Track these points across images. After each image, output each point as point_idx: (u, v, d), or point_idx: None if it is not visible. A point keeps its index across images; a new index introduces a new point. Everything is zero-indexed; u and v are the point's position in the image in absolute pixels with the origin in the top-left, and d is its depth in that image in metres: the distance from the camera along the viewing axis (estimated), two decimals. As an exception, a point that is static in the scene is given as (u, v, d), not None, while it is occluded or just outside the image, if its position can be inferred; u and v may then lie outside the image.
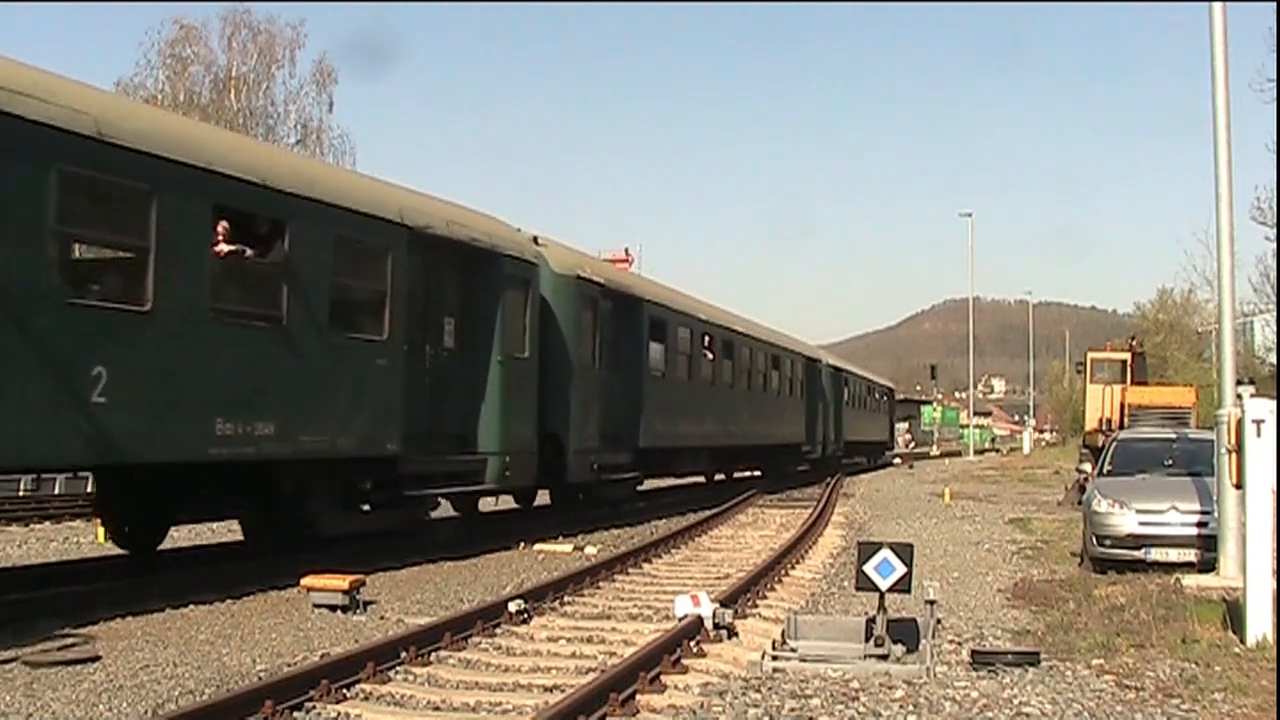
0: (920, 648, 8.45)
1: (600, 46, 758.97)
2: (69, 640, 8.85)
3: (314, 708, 7.00)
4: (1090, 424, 29.66)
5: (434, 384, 14.94)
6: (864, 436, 48.78)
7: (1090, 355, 33.33)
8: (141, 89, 41.65)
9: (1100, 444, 22.45)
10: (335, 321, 12.72)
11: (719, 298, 29.00)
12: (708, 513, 20.64)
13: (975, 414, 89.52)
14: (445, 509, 17.03)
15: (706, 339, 24.96)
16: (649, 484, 25.55)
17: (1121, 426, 25.75)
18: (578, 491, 20.02)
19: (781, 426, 32.56)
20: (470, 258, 15.53)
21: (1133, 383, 30.18)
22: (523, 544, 16.08)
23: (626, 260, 34.39)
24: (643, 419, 20.82)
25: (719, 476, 31.87)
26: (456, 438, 15.48)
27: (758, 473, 33.80)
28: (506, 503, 21.21)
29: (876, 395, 54.35)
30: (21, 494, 24.21)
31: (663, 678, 7.72)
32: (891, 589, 8.52)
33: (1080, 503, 18.21)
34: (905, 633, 8.59)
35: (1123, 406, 27.99)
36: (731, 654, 8.75)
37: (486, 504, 20.43)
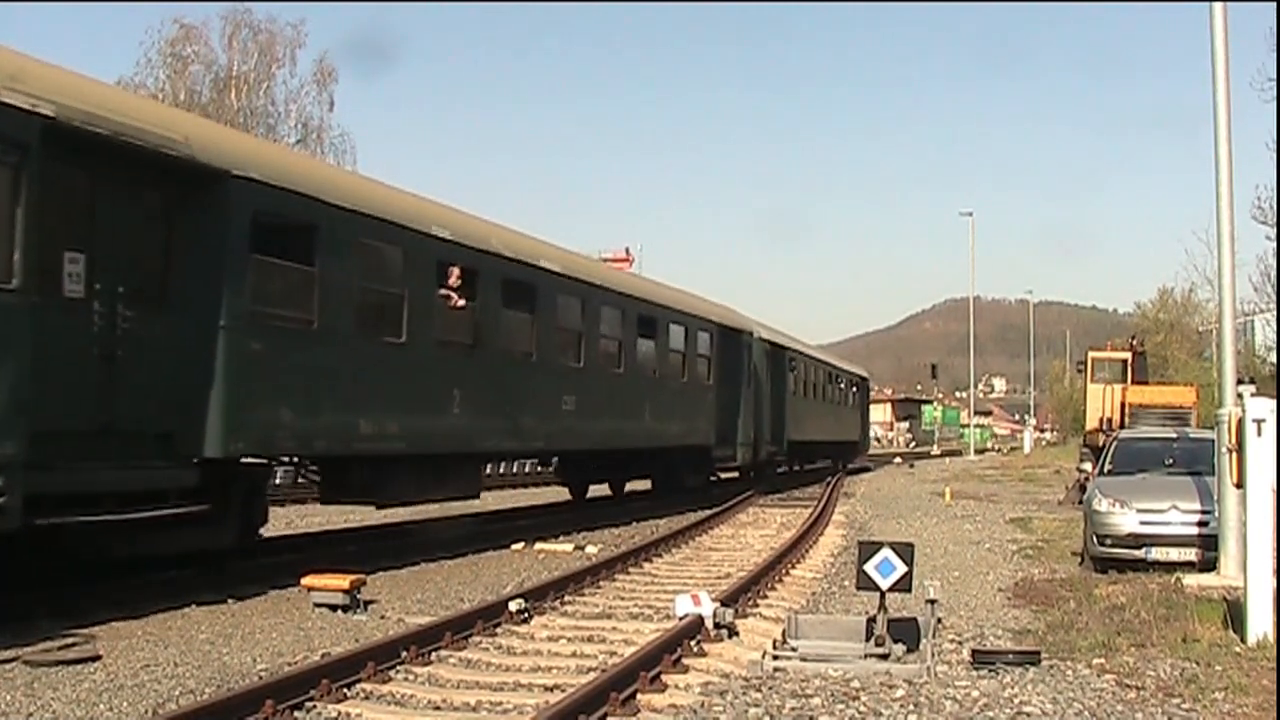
0: (921, 647, 8.45)
1: (601, 46, 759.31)
2: (70, 640, 8.85)
3: (314, 707, 7.00)
4: (1091, 423, 29.71)
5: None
6: (822, 435, 38.29)
7: (1091, 355, 33.38)
8: (142, 88, 41.65)
9: (1101, 443, 22.47)
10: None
11: (720, 297, 28.42)
12: (708, 512, 20.63)
13: (976, 413, 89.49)
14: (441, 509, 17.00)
15: (451, 272, 15.17)
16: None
17: (1122, 426, 25.79)
18: None
19: (664, 421, 22.41)
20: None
21: (1133, 382, 30.20)
22: (523, 543, 16.09)
23: (627, 260, 34.39)
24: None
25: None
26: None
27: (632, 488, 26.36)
28: (507, 502, 21.23)
29: (841, 384, 43.35)
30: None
31: (663, 677, 7.72)
32: (892, 588, 8.52)
33: (1081, 502, 18.22)
34: (906, 632, 8.59)
35: (1123, 406, 28.02)
36: (732, 653, 8.75)
37: (487, 504, 20.45)
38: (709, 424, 24.93)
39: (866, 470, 45.16)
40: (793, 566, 13.97)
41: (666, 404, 22.52)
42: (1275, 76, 25.13)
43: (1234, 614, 9.59)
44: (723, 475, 28.78)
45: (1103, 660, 8.50)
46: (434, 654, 8.52)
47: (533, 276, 17.09)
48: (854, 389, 46.75)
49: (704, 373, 24.87)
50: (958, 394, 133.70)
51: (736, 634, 9.42)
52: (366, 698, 7.35)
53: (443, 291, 14.98)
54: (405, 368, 13.86)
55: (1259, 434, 9.58)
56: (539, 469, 31.52)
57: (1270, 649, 8.72)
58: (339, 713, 6.97)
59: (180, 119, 12.14)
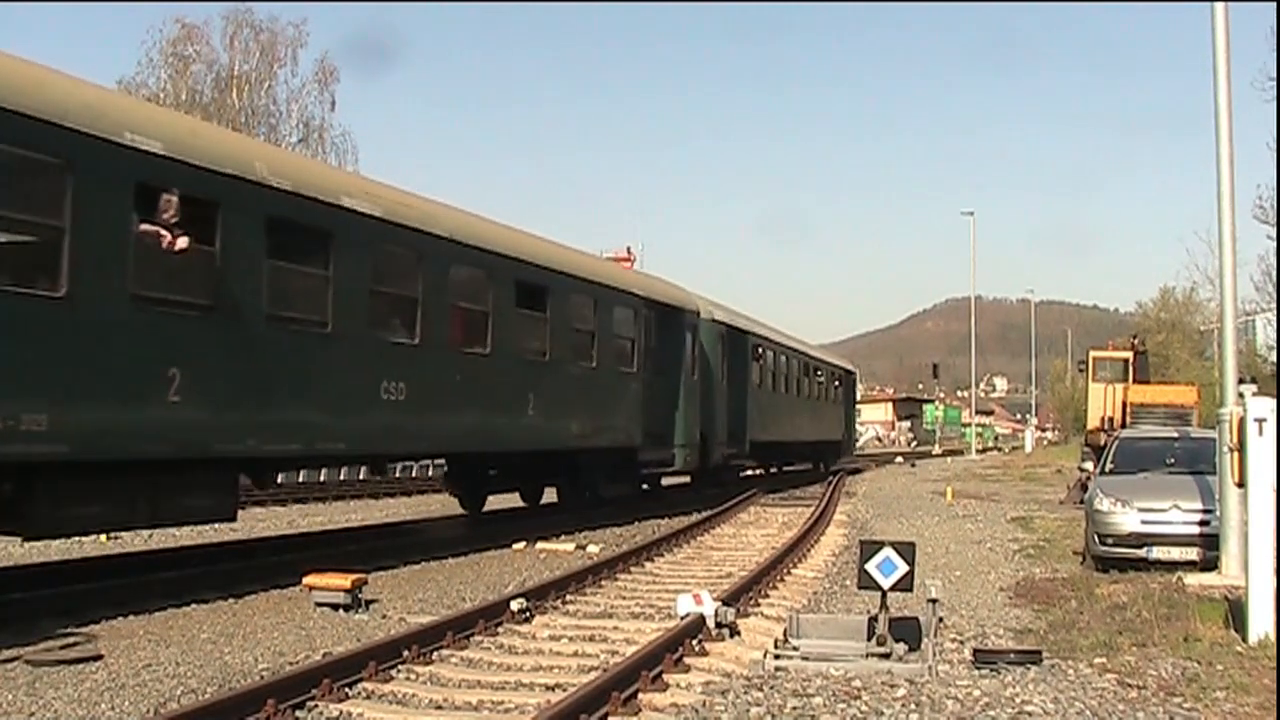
0: (922, 646, 8.45)
1: (601, 46, 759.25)
2: (71, 639, 8.86)
3: (316, 706, 7.00)
4: (1092, 423, 29.70)
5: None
6: (796, 434, 34.10)
7: (1092, 354, 33.36)
8: (144, 88, 41.69)
9: (1102, 443, 22.47)
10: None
11: (719, 297, 28.13)
12: (709, 511, 20.63)
13: (977, 413, 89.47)
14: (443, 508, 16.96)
15: (165, 200, 10.76)
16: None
17: (1123, 425, 25.77)
18: None
19: (561, 418, 17.86)
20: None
21: (1135, 381, 30.19)
22: (525, 543, 16.09)
23: (629, 259, 34.34)
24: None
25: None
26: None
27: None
28: (508, 502, 21.24)
29: (820, 378, 38.37)
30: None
31: (665, 676, 7.72)
32: (894, 587, 8.52)
33: (1082, 501, 18.22)
34: (907, 631, 8.58)
35: (1125, 405, 28.01)
36: (734, 653, 8.75)
37: (489, 504, 20.46)
38: (633, 421, 20.25)
39: (866, 470, 44.99)
40: (794, 566, 13.97)
41: (565, 396, 17.78)
42: (1276, 76, 25.12)
43: (1235, 613, 9.59)
44: (664, 483, 25.08)
45: (1104, 659, 8.49)
46: (435, 653, 8.52)
47: (325, 217, 12.59)
48: (836, 383, 41.89)
49: (626, 358, 20.16)
50: (959, 393, 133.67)
51: (738, 633, 9.42)
52: (368, 697, 7.36)
53: (149, 227, 10.60)
54: (68, 333, 9.59)
55: (1260, 433, 9.58)
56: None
57: (1271, 648, 8.71)
58: (340, 712, 6.97)
59: None
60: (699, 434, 23.04)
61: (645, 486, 23.54)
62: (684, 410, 22.28)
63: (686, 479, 26.21)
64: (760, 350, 28.87)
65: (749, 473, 32.08)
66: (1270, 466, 9.41)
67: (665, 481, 25.42)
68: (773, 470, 35.59)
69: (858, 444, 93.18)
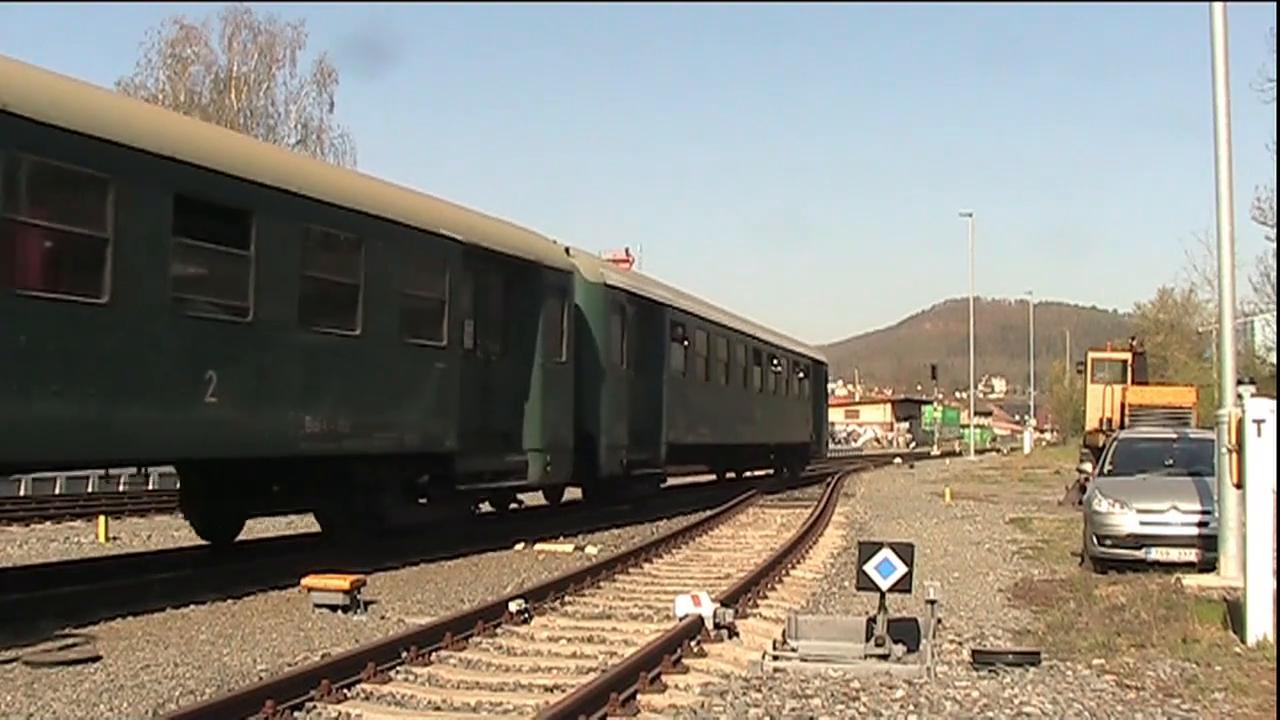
0: (921, 647, 8.45)
1: (601, 46, 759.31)
2: (70, 640, 8.86)
3: (315, 708, 7.00)
4: (1091, 424, 29.64)
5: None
6: (743, 437, 28.76)
7: (1091, 355, 33.31)
8: (142, 89, 41.72)
9: (1101, 444, 22.44)
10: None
11: (719, 298, 27.81)
12: (708, 512, 20.64)
13: (976, 414, 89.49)
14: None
15: None
16: None
17: (1122, 426, 25.75)
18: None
19: (291, 409, 12.31)
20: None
21: (1133, 383, 30.17)
22: (523, 544, 16.09)
23: (627, 260, 34.29)
24: None
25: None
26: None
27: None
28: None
29: (776, 367, 31.77)
30: (22, 494, 24.20)
31: (663, 677, 7.73)
32: (892, 589, 8.52)
33: (1081, 502, 18.23)
34: (906, 632, 8.58)
35: (1123, 406, 27.98)
36: (732, 654, 8.75)
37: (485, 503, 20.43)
38: (442, 417, 14.53)
39: (864, 471, 44.96)
40: (793, 567, 13.97)
41: (288, 376, 12.23)
42: (1275, 77, 25.17)
43: (1234, 614, 9.60)
44: (517, 503, 19.39)
45: (1103, 661, 8.50)
46: (434, 654, 8.52)
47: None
48: (800, 374, 35.31)
49: (427, 327, 14.40)
50: (958, 394, 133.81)
51: (736, 634, 9.42)
52: (367, 698, 7.36)
53: None
54: None
55: (1259, 434, 9.59)
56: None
57: (1270, 649, 8.73)
58: (339, 713, 6.97)
59: None
60: (571, 436, 17.58)
61: (488, 508, 18.17)
62: (543, 402, 16.72)
63: (563, 494, 20.77)
64: (683, 329, 23.26)
65: (687, 481, 28.10)
66: (1269, 468, 9.41)
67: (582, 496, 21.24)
68: (702, 481, 30.23)
69: (856, 445, 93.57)
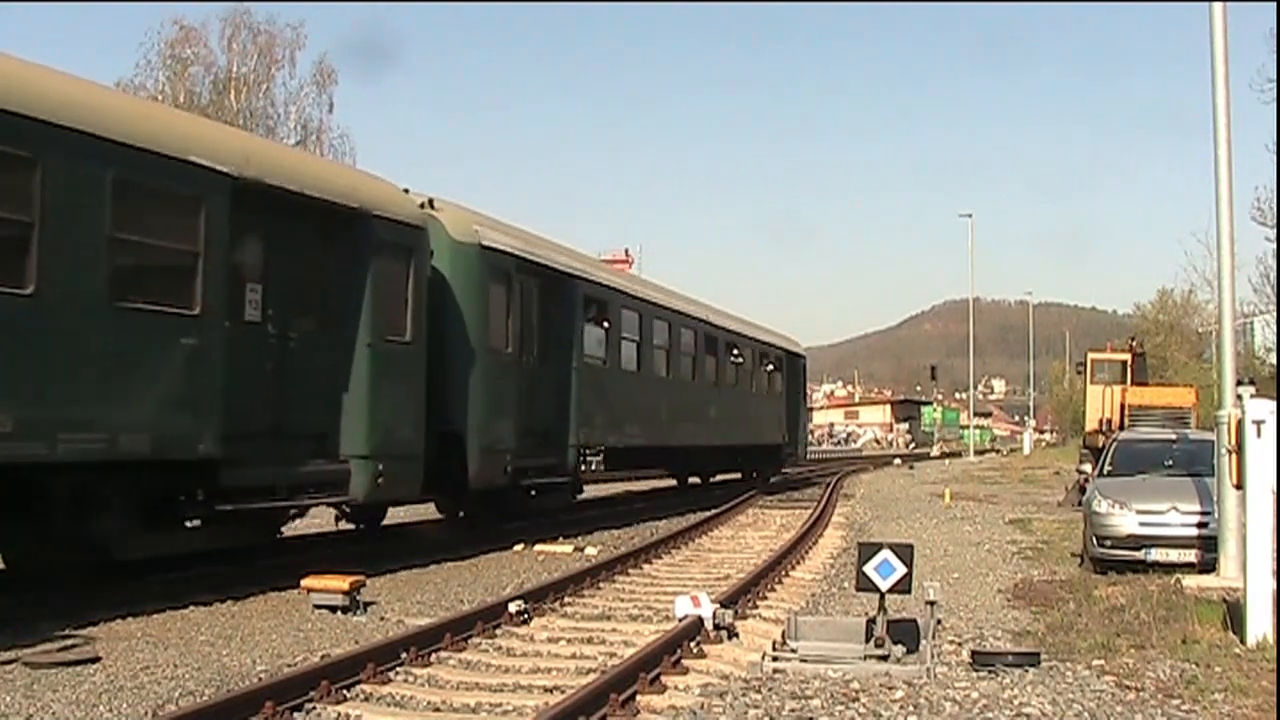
0: (920, 648, 8.45)
1: (601, 47, 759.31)
2: (69, 641, 8.86)
3: (314, 708, 7.00)
4: (1090, 425, 29.66)
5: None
6: (695, 438, 25.04)
7: (1090, 356, 33.34)
8: (142, 89, 41.69)
9: (1100, 444, 22.46)
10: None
11: (719, 298, 27.66)
12: (708, 513, 20.64)
13: (975, 414, 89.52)
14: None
15: None
16: None
17: (1122, 427, 25.76)
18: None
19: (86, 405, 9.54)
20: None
21: (1133, 383, 30.18)
22: (523, 545, 16.09)
23: (627, 261, 34.23)
24: None
25: None
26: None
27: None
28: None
29: (741, 358, 27.83)
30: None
31: (663, 678, 7.73)
32: (892, 589, 8.52)
33: (1080, 503, 18.22)
34: (905, 633, 8.58)
35: (1123, 407, 28.00)
36: (732, 655, 8.75)
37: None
38: (196, 414, 10.79)
39: (864, 472, 44.94)
40: (792, 568, 13.97)
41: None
42: (1275, 77, 25.14)
43: (1233, 615, 9.60)
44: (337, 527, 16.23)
45: (1102, 661, 8.50)
46: (434, 655, 8.52)
47: None
48: (770, 366, 30.97)
49: (165, 290, 10.67)
50: (957, 395, 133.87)
51: (736, 635, 9.42)
52: (366, 699, 7.36)
53: None
54: None
55: (1259, 435, 9.58)
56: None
57: (1270, 650, 8.73)
58: (339, 714, 6.97)
59: None
60: (421, 438, 13.96)
61: (280, 535, 13.86)
62: (372, 394, 13.06)
63: (384, 515, 16.43)
64: (602, 307, 19.34)
65: (649, 487, 24.88)
66: (1269, 468, 9.42)
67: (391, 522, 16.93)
68: (639, 488, 26.65)
69: (855, 445, 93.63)
